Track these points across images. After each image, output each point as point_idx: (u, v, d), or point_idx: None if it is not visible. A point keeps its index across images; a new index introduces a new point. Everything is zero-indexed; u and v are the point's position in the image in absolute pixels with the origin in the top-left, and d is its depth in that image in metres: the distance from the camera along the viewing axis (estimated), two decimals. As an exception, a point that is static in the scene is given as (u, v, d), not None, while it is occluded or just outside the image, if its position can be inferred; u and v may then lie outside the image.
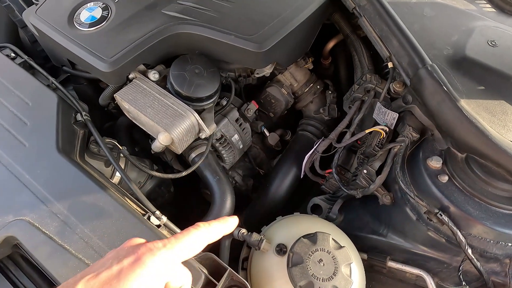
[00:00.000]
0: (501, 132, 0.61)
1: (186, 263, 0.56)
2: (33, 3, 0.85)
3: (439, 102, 0.63)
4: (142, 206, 0.64)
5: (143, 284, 0.33)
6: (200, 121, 0.71)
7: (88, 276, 0.33)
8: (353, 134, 0.80)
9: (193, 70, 0.74)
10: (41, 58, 0.95)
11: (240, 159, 0.96)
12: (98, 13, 0.76)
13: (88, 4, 0.77)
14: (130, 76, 0.74)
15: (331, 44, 0.97)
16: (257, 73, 0.87)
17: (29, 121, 0.69)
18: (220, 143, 0.85)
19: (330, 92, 0.99)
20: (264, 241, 0.63)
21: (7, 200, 0.60)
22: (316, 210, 0.85)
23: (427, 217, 0.64)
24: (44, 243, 0.56)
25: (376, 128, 0.75)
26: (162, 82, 0.76)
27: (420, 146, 0.71)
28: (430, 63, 0.65)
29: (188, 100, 0.73)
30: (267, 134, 0.97)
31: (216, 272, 0.58)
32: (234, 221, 0.42)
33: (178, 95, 0.73)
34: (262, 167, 1.02)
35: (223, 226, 0.41)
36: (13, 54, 0.81)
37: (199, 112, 0.74)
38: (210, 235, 0.40)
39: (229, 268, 0.56)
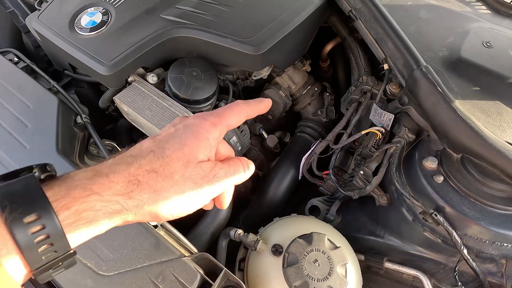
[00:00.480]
0: (496, 132, 0.61)
1: (181, 262, 0.56)
2: (36, 9, 0.87)
3: (434, 103, 0.63)
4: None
5: (201, 142, 0.38)
6: (198, 123, 0.72)
7: (153, 136, 0.39)
8: (350, 136, 0.81)
9: (191, 72, 0.75)
10: (44, 63, 0.96)
11: (239, 161, 0.96)
12: (98, 18, 0.77)
13: (89, 9, 0.79)
14: (129, 79, 0.75)
15: (329, 47, 0.97)
16: (255, 76, 0.88)
17: (30, 123, 0.70)
18: (218, 145, 0.85)
19: (328, 94, 0.99)
20: (260, 241, 0.64)
21: (8, 200, 0.61)
22: (314, 212, 0.85)
23: (423, 218, 0.64)
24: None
25: (372, 129, 0.75)
26: (161, 85, 0.77)
27: (416, 147, 0.71)
28: (425, 64, 0.65)
29: (185, 102, 0.74)
30: (266, 136, 0.98)
31: (212, 272, 0.59)
32: (268, 101, 0.48)
33: (176, 97, 0.74)
34: (261, 169, 1.03)
35: (259, 104, 0.47)
36: (16, 59, 0.83)
37: (197, 114, 0.75)
38: (248, 110, 0.45)
39: (225, 268, 0.56)
